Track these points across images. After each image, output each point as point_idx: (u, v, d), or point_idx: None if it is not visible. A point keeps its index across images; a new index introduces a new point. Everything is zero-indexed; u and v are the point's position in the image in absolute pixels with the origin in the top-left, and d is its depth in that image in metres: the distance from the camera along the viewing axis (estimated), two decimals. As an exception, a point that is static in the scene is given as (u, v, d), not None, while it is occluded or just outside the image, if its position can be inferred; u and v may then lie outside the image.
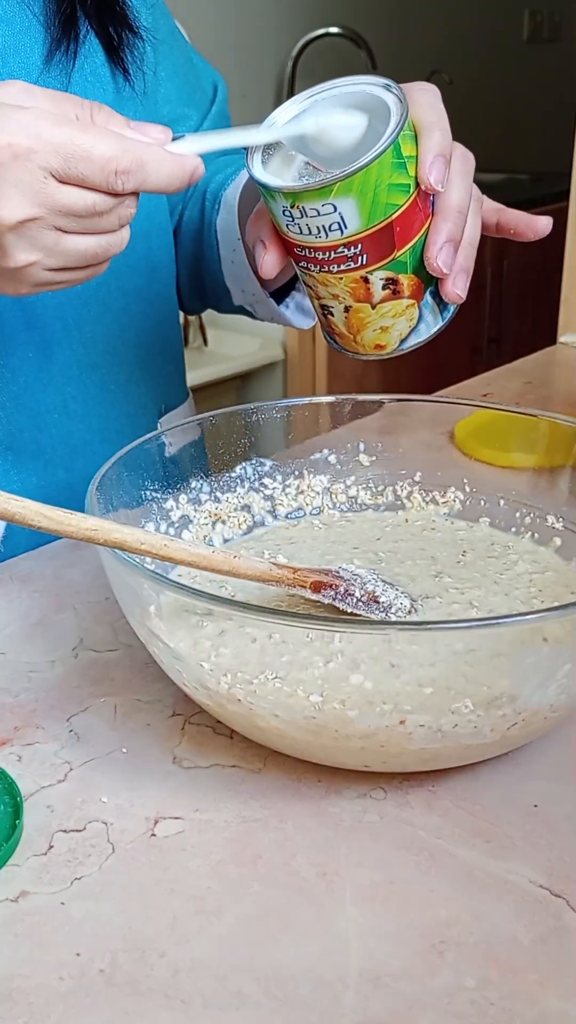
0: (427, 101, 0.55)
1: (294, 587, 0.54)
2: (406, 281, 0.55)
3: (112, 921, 0.43)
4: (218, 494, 0.67)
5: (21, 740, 0.53)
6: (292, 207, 0.52)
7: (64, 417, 0.78)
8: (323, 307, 0.58)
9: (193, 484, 0.66)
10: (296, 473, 0.70)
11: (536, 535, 0.65)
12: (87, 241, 0.53)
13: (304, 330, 2.20)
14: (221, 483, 0.68)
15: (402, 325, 0.57)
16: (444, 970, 0.40)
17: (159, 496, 0.64)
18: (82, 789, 0.50)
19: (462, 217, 0.56)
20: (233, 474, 0.68)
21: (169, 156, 0.52)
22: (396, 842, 0.46)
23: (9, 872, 0.45)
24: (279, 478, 0.70)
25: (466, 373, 1.18)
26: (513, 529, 0.67)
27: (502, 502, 0.67)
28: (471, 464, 0.73)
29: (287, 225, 0.54)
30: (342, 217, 0.52)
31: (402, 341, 0.58)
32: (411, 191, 0.53)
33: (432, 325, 0.58)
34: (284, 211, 0.53)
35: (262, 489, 0.69)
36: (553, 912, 0.43)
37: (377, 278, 0.54)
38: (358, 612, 0.54)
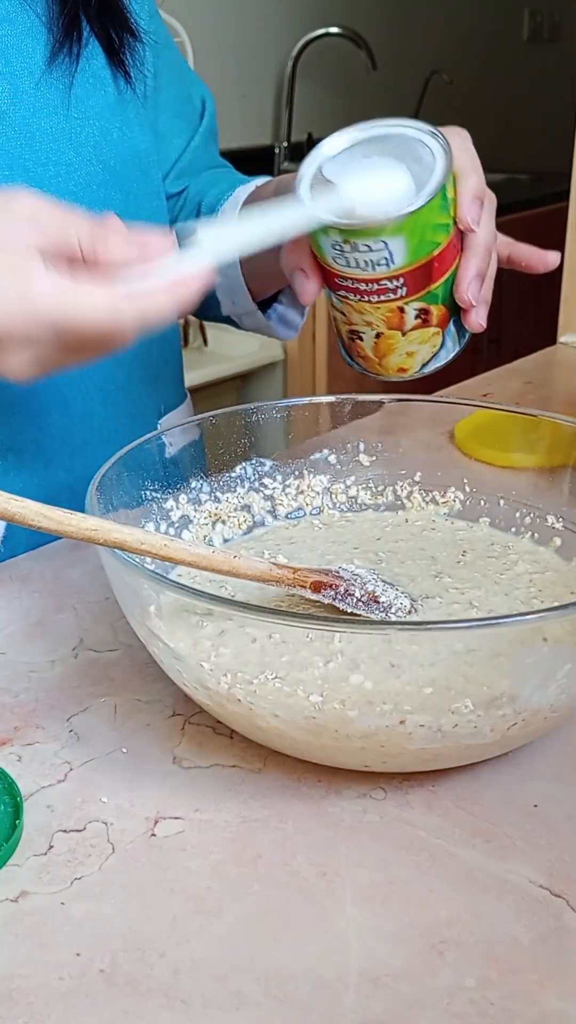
0: (462, 145, 0.58)
1: (294, 587, 0.54)
2: (435, 311, 0.58)
3: (112, 921, 0.43)
4: (218, 494, 0.67)
5: (21, 740, 0.54)
6: (344, 242, 0.54)
7: (64, 417, 0.78)
8: (353, 332, 0.60)
9: (193, 484, 0.66)
10: (296, 473, 0.70)
11: (536, 535, 0.65)
12: (89, 354, 0.54)
13: (303, 340, 2.20)
14: (221, 483, 0.68)
15: (426, 351, 0.60)
16: (444, 970, 0.40)
17: (159, 496, 0.64)
18: (82, 789, 0.50)
19: (488, 254, 0.59)
20: (233, 474, 0.68)
21: (169, 297, 0.51)
22: (396, 842, 0.46)
23: (9, 872, 0.45)
24: (279, 478, 0.70)
25: (466, 373, 1.18)
26: (513, 529, 0.67)
27: (502, 502, 0.67)
28: (471, 464, 0.73)
29: (334, 258, 0.56)
30: (390, 253, 0.54)
31: (424, 365, 0.61)
32: (450, 230, 0.56)
33: (451, 351, 0.61)
34: (334, 245, 0.55)
35: (262, 489, 0.69)
36: (553, 912, 0.43)
37: (412, 308, 0.57)
38: (358, 612, 0.54)
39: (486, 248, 0.59)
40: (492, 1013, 0.38)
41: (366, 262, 0.55)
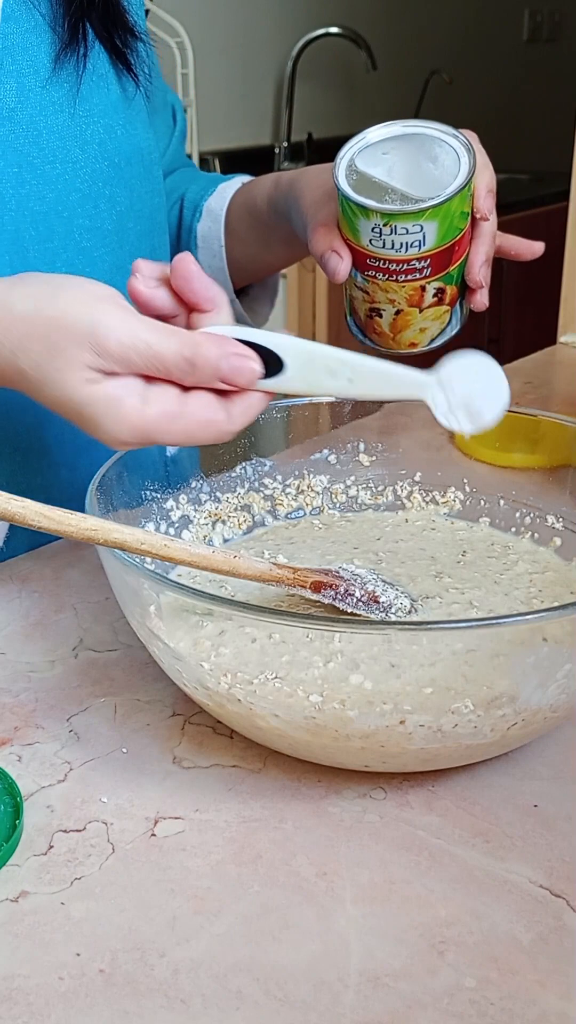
0: (475, 146, 0.63)
1: (294, 587, 0.54)
2: (449, 290, 0.63)
3: (112, 921, 0.43)
4: (218, 494, 0.67)
5: (21, 740, 0.54)
6: (384, 225, 0.59)
7: None
8: (373, 309, 0.65)
9: (193, 484, 0.66)
10: (296, 473, 0.70)
11: (536, 535, 0.65)
12: None
13: (303, 329, 2.20)
14: (221, 483, 0.68)
15: (435, 327, 0.65)
16: (444, 970, 0.40)
17: (159, 496, 0.64)
18: (82, 789, 0.50)
19: (494, 240, 0.66)
20: (233, 474, 0.68)
21: (260, 405, 0.53)
22: (396, 842, 0.46)
23: (9, 872, 0.45)
24: (279, 478, 0.70)
25: (466, 373, 1.18)
26: (513, 529, 0.67)
27: (502, 502, 0.67)
28: (471, 464, 0.73)
29: (371, 240, 0.61)
30: (424, 236, 0.59)
31: (432, 340, 0.66)
32: (468, 218, 0.62)
33: (454, 327, 0.66)
34: (374, 228, 0.60)
35: (262, 489, 0.69)
36: (553, 912, 0.43)
37: (432, 287, 0.62)
38: (358, 612, 0.54)
39: (492, 236, 0.65)
40: (492, 1013, 0.38)
41: (401, 244, 0.60)
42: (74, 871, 0.45)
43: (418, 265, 0.61)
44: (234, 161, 2.59)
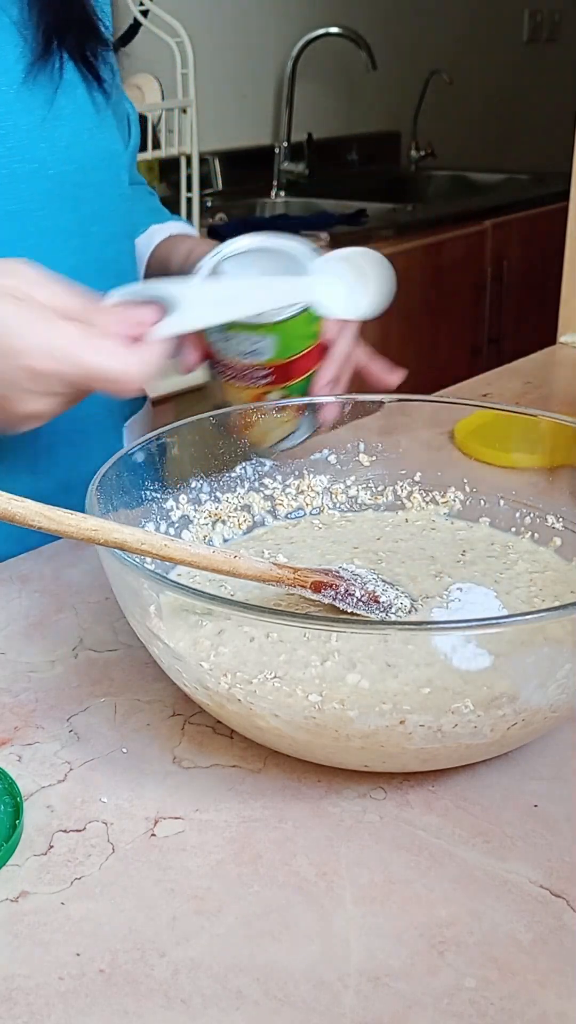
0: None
1: (294, 587, 0.54)
2: None
3: (112, 921, 0.43)
4: (218, 494, 0.67)
5: (21, 740, 0.54)
6: (227, 331, 0.64)
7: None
8: (224, 402, 0.70)
9: (193, 484, 0.66)
10: (296, 473, 0.70)
11: (536, 535, 0.65)
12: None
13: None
14: (221, 483, 0.68)
15: (280, 431, 0.69)
16: (444, 970, 0.40)
17: (159, 496, 0.64)
18: (82, 789, 0.50)
19: (348, 363, 0.71)
20: (233, 474, 0.68)
21: (157, 350, 0.58)
22: (396, 842, 0.46)
23: (9, 872, 0.45)
24: (279, 478, 0.70)
25: (466, 373, 1.18)
26: (513, 529, 0.67)
27: (502, 502, 0.67)
28: (471, 464, 0.73)
29: (215, 341, 0.66)
30: (263, 348, 0.64)
31: (277, 443, 0.70)
32: (315, 338, 0.67)
33: (302, 435, 0.70)
34: (219, 330, 0.64)
35: (262, 489, 0.69)
36: (553, 912, 0.43)
37: (274, 395, 0.67)
38: (358, 612, 0.54)
39: (344, 359, 0.70)
40: (492, 1013, 0.38)
41: (242, 351, 0.65)
42: (74, 871, 0.45)
43: (259, 373, 0.65)
44: (234, 161, 2.58)
